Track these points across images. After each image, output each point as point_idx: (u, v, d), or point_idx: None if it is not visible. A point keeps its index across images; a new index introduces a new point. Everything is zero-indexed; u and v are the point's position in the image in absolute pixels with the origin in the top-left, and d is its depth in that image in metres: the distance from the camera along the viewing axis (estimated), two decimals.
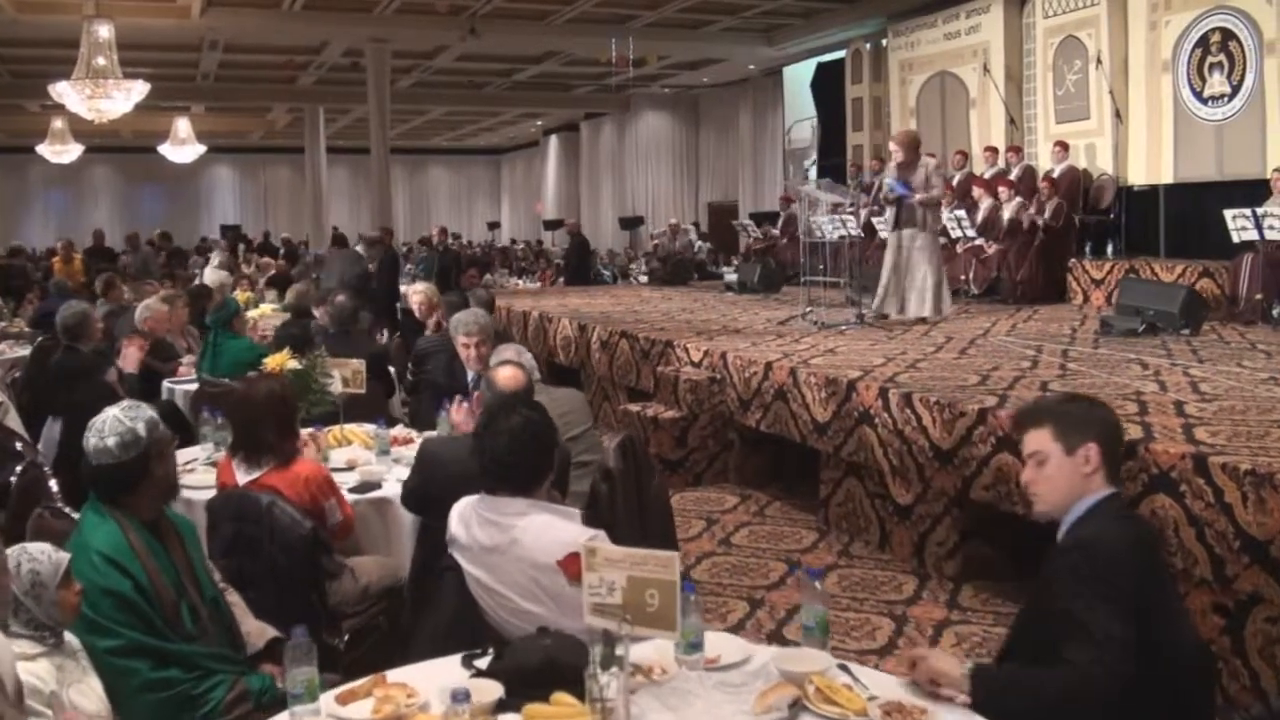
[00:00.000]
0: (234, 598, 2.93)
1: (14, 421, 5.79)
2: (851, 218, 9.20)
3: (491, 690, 2.11)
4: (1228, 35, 9.79)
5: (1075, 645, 2.05)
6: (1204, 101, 10.08)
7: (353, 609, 3.47)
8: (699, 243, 18.88)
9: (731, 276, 12.57)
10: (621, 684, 1.93)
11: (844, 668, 2.24)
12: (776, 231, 14.28)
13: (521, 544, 2.49)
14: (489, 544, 2.54)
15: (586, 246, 16.14)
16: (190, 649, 2.59)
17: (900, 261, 8.15)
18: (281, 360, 4.71)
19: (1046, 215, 10.23)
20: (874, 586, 4.73)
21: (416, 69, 19.40)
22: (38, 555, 2.32)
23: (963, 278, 10.48)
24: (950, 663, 2.17)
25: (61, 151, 20.57)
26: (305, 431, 3.88)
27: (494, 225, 29.58)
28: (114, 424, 2.64)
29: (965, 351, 6.52)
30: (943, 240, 9.21)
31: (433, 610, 2.68)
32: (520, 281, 16.75)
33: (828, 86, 16.20)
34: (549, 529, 2.49)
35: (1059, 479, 2.28)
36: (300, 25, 15.35)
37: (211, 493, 3.66)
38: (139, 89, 12.71)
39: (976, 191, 11.16)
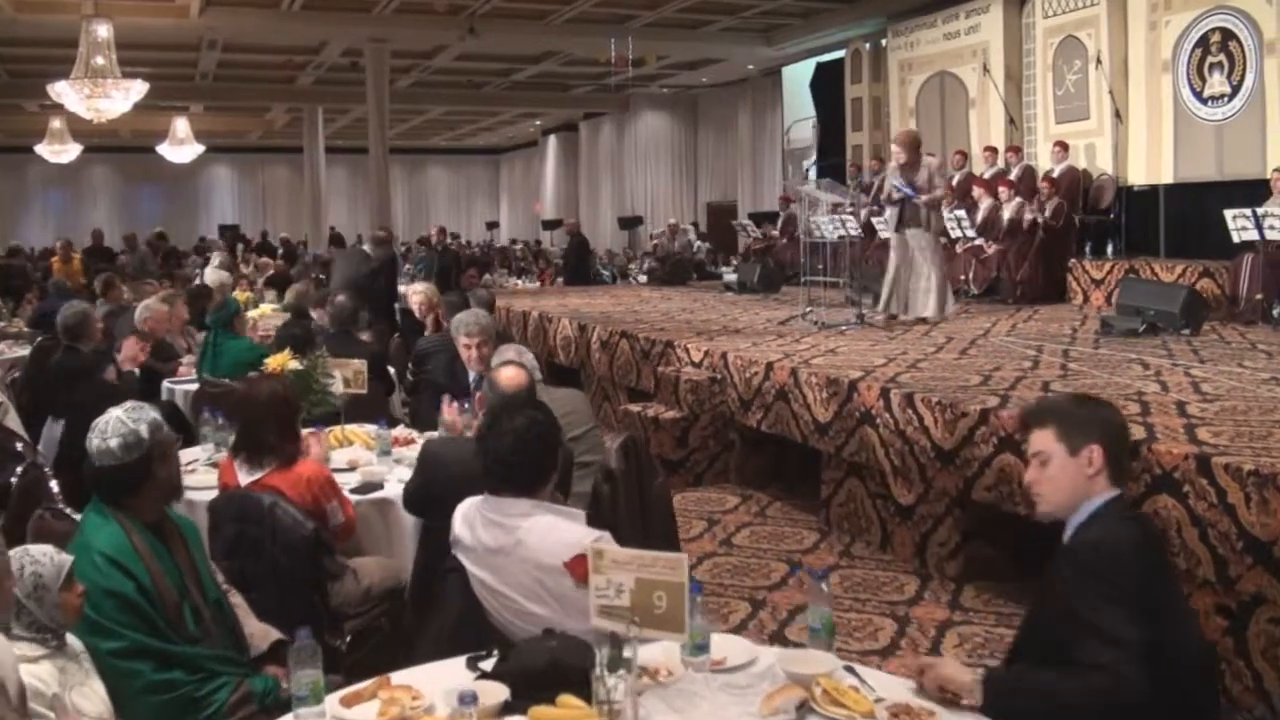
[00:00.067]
0: (237, 599, 2.92)
1: (14, 422, 5.77)
2: (851, 218, 9.20)
3: (497, 692, 2.11)
4: (1228, 35, 9.79)
5: (1087, 648, 2.04)
6: (1204, 101, 10.08)
7: (355, 610, 3.47)
8: (698, 243, 18.89)
9: (731, 276, 12.56)
10: (629, 686, 1.92)
11: (850, 669, 2.24)
12: (776, 231, 14.29)
13: (526, 545, 2.48)
14: (493, 545, 2.53)
15: (586, 246, 16.13)
16: (194, 651, 2.58)
17: (904, 262, 8.15)
18: (283, 361, 4.70)
19: (1047, 214, 10.23)
20: (876, 587, 4.72)
21: (415, 69, 19.39)
22: (40, 557, 2.31)
23: (963, 278, 10.48)
24: (960, 670, 2.16)
25: (60, 151, 20.55)
26: (306, 432, 3.86)
27: (493, 225, 29.56)
28: (117, 425, 2.63)
29: (966, 352, 6.52)
30: (943, 240, 9.21)
31: (436, 612, 2.67)
32: (519, 281, 16.73)
33: (827, 86, 16.20)
34: (554, 530, 2.48)
35: (1062, 480, 2.27)
36: (299, 25, 15.34)
37: (213, 493, 3.65)
38: (138, 89, 12.69)
39: (976, 191, 11.16)
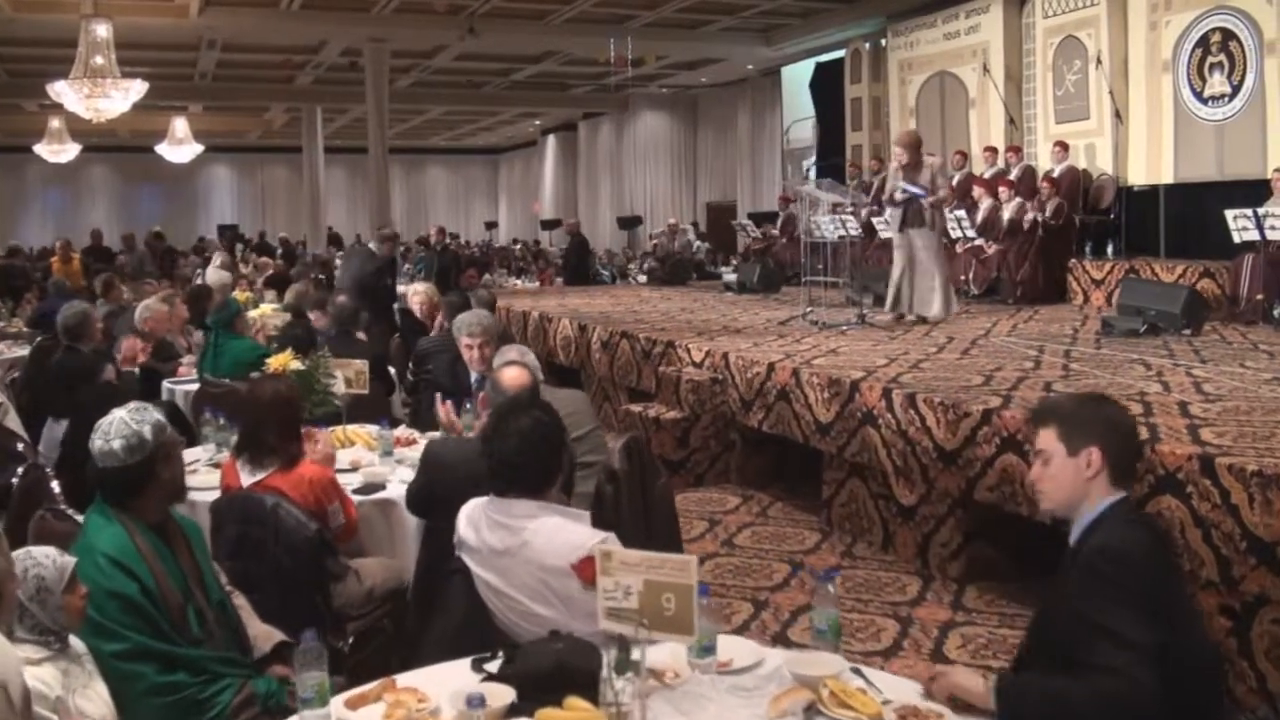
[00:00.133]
0: (240, 600, 2.91)
1: (14, 422, 5.77)
2: (851, 218, 9.20)
3: (503, 694, 2.10)
4: (1228, 35, 9.79)
5: (1098, 651, 2.04)
6: (1204, 101, 10.08)
7: (357, 611, 3.46)
8: (697, 243, 18.89)
9: (730, 276, 12.56)
10: (637, 689, 1.91)
11: (857, 671, 2.23)
12: (776, 231, 14.28)
13: (532, 546, 2.47)
14: (499, 547, 2.52)
15: (585, 246, 16.13)
16: (197, 653, 2.57)
17: (909, 262, 8.15)
18: (284, 361, 4.69)
19: (1047, 214, 10.23)
20: (878, 588, 4.71)
21: (415, 68, 19.38)
22: (42, 560, 2.30)
23: (963, 278, 10.47)
24: (971, 678, 2.16)
25: (59, 151, 20.53)
26: (322, 434, 3.86)
27: (491, 225, 29.56)
28: (120, 427, 2.62)
29: (968, 352, 6.51)
30: (944, 240, 9.22)
31: (441, 613, 2.66)
32: (518, 281, 16.73)
33: (827, 86, 16.20)
34: (559, 531, 2.47)
35: (1062, 479, 2.28)
36: (298, 25, 15.33)
37: (215, 494, 3.65)
38: (137, 88, 12.67)
39: (976, 191, 11.15)
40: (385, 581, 3.57)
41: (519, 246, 24.07)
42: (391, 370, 6.59)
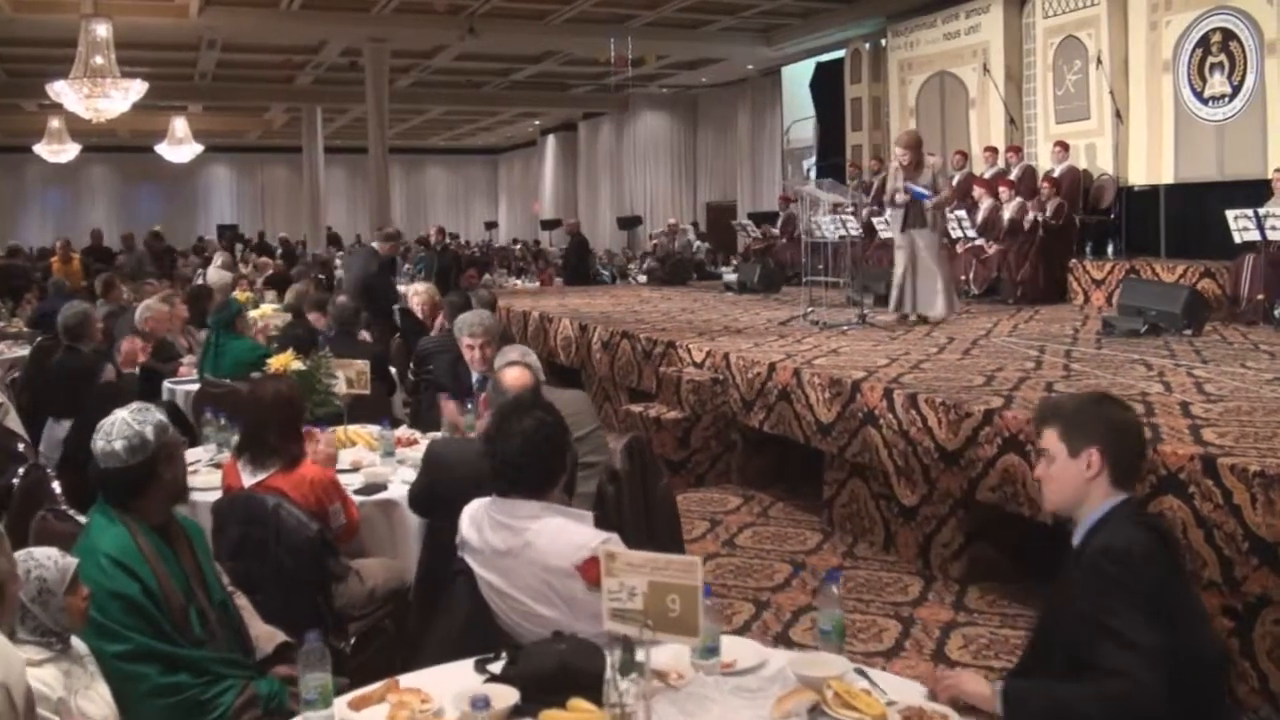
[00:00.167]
0: (242, 601, 2.91)
1: (14, 422, 5.77)
2: (852, 218, 9.20)
3: (507, 695, 2.10)
4: (1228, 35, 9.79)
5: (1105, 653, 2.03)
6: (1205, 102, 10.08)
7: (359, 612, 3.46)
8: (697, 243, 18.89)
9: (731, 276, 12.56)
10: (641, 690, 1.91)
11: (862, 672, 2.23)
12: (776, 231, 14.28)
13: (535, 547, 2.47)
14: (502, 547, 2.52)
15: (586, 246, 16.13)
16: (199, 654, 2.57)
17: (911, 262, 8.15)
18: (286, 361, 4.69)
19: (1047, 214, 10.23)
20: (879, 588, 4.71)
21: (415, 68, 19.37)
22: (44, 561, 2.30)
23: (963, 278, 10.47)
24: (977, 683, 2.15)
25: (59, 151, 20.53)
26: (325, 435, 3.86)
27: (491, 225, 29.55)
28: (122, 427, 2.62)
29: (969, 352, 6.51)
30: (944, 240, 9.22)
31: (443, 614, 2.66)
32: (518, 281, 16.73)
33: (827, 86, 16.19)
34: (562, 532, 2.47)
35: (1064, 479, 2.29)
36: (298, 24, 15.33)
37: (216, 494, 3.64)
38: (137, 88, 12.67)
39: (977, 191, 11.15)
40: (387, 582, 3.57)
41: (519, 246, 24.06)
42: (392, 370, 6.59)
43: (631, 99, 22.12)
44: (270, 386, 3.69)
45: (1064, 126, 11.56)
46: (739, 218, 17.69)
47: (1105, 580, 2.09)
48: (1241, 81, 9.68)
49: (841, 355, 6.41)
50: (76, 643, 2.35)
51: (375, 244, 9.90)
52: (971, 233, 10.67)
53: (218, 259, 13.91)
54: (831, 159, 15.62)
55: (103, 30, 12.10)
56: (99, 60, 12.11)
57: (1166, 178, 10.49)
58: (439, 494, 3.31)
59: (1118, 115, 10.78)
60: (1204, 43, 10.02)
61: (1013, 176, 11.13)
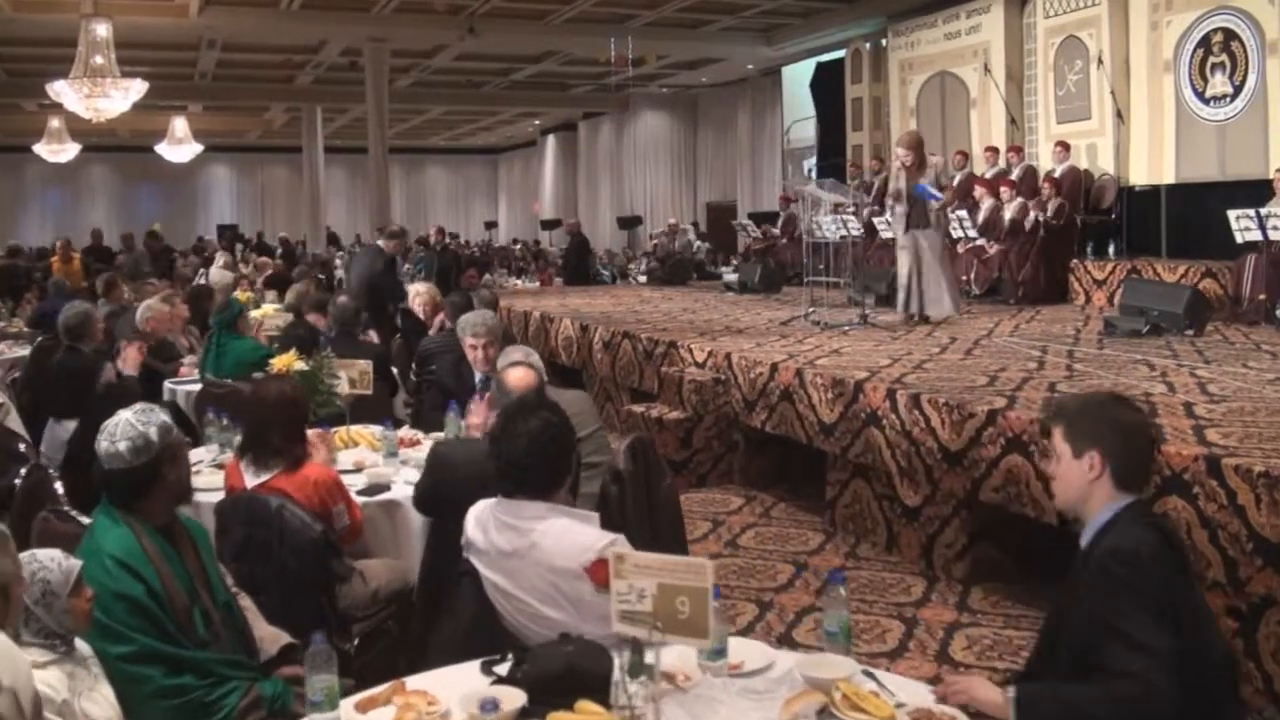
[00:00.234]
0: (246, 602, 2.90)
1: (15, 423, 5.76)
2: (853, 217, 9.20)
3: (514, 697, 2.09)
4: (1230, 35, 9.78)
5: (1114, 655, 2.03)
6: (1206, 102, 10.07)
7: (362, 613, 3.45)
8: (697, 243, 18.88)
9: (731, 276, 12.56)
10: (650, 692, 1.90)
11: (869, 674, 2.22)
12: (776, 231, 14.28)
13: (540, 548, 2.46)
14: (507, 549, 2.51)
15: (586, 246, 16.12)
16: (204, 655, 2.55)
17: (916, 262, 8.15)
18: (288, 361, 4.68)
19: (1048, 214, 10.22)
20: (883, 589, 4.71)
21: (415, 68, 19.37)
22: (48, 563, 2.29)
23: (964, 278, 10.46)
24: (988, 690, 2.15)
25: (59, 151, 20.52)
26: (313, 432, 3.84)
27: (491, 225, 29.54)
28: (126, 428, 2.61)
29: (971, 352, 6.51)
30: (946, 240, 9.22)
31: (448, 615, 2.65)
32: (519, 281, 16.72)
33: (827, 86, 16.19)
34: (568, 533, 2.46)
35: (1069, 479, 2.30)
36: (298, 24, 15.32)
37: (219, 495, 3.63)
38: (137, 88, 12.67)
39: (978, 191, 11.15)
40: (390, 583, 3.56)
41: (519, 246, 24.06)
42: (394, 370, 6.58)
43: (631, 99, 22.12)
44: (273, 387, 3.68)
45: (1065, 126, 11.55)
46: (739, 218, 17.69)
47: (1114, 582, 2.09)
48: (1243, 81, 9.68)
49: (843, 355, 6.41)
50: (80, 644, 2.34)
51: (380, 242, 9.87)
52: (973, 233, 10.67)
53: (219, 259, 13.91)
54: (832, 159, 15.61)
55: (103, 30, 12.09)
56: (99, 60, 12.11)
57: (1168, 178, 10.48)
58: (443, 494, 3.30)
59: (1119, 115, 10.77)
60: (1205, 43, 10.01)
61: (1014, 176, 11.13)
